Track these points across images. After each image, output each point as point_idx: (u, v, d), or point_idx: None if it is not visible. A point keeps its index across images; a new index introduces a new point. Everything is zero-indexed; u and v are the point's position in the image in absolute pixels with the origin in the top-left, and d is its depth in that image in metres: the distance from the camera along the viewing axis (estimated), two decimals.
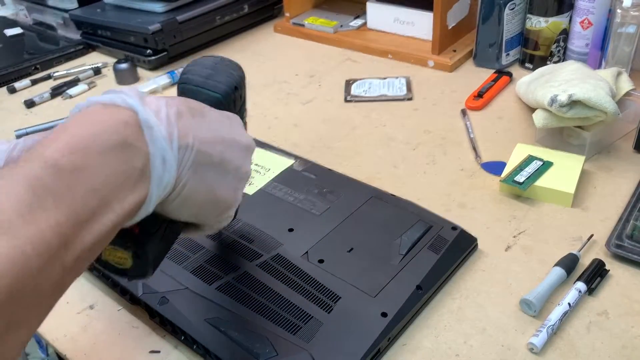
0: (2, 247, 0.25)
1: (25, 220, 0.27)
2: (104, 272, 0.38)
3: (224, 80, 0.44)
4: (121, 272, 0.38)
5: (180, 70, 1.00)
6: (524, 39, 0.92)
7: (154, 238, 0.38)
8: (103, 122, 0.32)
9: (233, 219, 0.47)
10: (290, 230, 0.58)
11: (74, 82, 1.02)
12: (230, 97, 0.44)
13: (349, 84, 0.93)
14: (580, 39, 0.87)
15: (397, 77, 0.93)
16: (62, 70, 1.07)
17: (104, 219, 0.30)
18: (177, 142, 0.34)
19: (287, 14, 1.17)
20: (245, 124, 0.48)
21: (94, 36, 1.14)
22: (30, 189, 0.28)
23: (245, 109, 0.48)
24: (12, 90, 1.02)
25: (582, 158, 0.67)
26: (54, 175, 0.29)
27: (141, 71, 1.04)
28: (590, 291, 0.53)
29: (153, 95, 0.40)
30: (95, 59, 1.13)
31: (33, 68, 1.08)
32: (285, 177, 0.67)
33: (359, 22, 1.12)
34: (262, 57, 1.08)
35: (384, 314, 0.49)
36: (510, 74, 0.91)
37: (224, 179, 0.39)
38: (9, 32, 1.23)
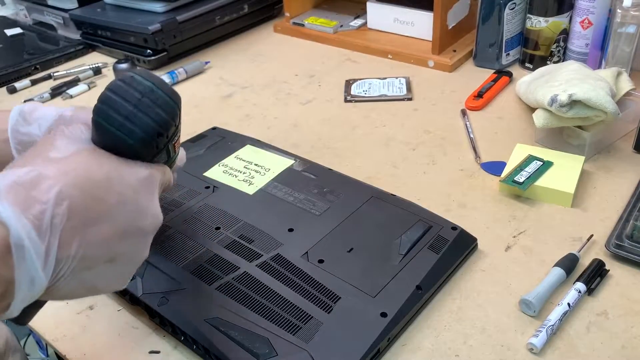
0: None
1: None
2: None
3: (145, 124, 0.37)
4: None
5: (181, 70, 1.00)
6: (524, 39, 0.92)
7: (25, 310, 0.35)
8: None
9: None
10: (290, 230, 0.58)
11: (74, 82, 1.02)
12: (149, 145, 0.38)
13: (348, 84, 0.93)
14: (580, 39, 0.87)
15: (397, 77, 0.93)
16: (62, 70, 1.07)
17: None
18: (54, 257, 0.31)
19: (287, 14, 1.17)
20: (173, 163, 0.44)
21: (94, 36, 1.14)
22: None
23: (173, 150, 0.42)
24: (12, 90, 1.02)
25: (582, 158, 0.67)
26: None
27: None
28: (590, 291, 0.53)
29: (51, 172, 0.33)
30: (95, 59, 1.13)
31: (33, 68, 1.08)
32: (285, 177, 0.67)
33: (359, 22, 1.12)
34: (262, 57, 1.08)
35: (384, 314, 0.49)
36: (510, 74, 0.91)
37: (110, 273, 0.36)
38: (9, 32, 1.23)
